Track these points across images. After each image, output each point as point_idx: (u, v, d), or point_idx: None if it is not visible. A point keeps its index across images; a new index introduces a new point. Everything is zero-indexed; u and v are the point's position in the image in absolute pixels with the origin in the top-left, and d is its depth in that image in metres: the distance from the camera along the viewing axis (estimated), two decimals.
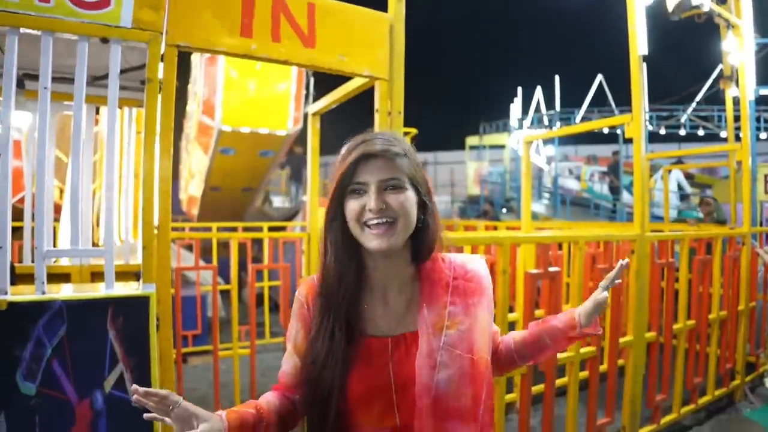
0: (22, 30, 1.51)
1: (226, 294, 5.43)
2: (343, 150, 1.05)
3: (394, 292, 1.07)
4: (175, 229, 6.42)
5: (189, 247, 5.47)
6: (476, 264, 1.11)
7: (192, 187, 7.28)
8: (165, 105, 1.63)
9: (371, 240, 0.99)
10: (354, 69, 2.00)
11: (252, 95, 5.75)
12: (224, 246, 5.40)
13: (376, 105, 2.11)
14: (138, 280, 1.81)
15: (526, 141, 3.99)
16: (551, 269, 2.65)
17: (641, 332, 3.04)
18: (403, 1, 2.10)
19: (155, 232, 1.64)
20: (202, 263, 4.70)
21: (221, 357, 3.02)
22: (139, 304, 1.62)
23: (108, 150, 1.59)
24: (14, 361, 1.49)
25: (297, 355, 1.08)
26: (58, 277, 2.45)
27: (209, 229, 5.44)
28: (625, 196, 10.49)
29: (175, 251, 5.08)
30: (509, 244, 2.52)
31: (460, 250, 2.49)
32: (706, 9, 3.90)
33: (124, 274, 2.22)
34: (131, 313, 1.61)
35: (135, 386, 0.91)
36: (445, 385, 0.99)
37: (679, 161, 8.83)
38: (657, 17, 3.79)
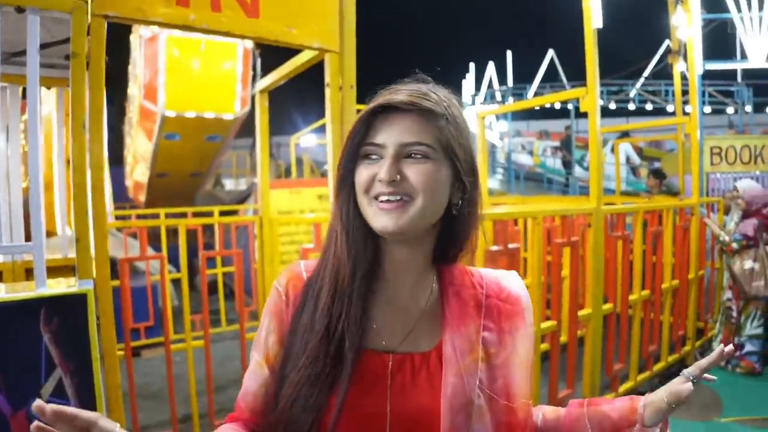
0: None
1: (177, 283, 5.23)
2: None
3: (404, 295, 0.82)
4: (121, 217, 6.14)
5: (136, 236, 5.21)
6: (512, 281, 0.87)
7: (138, 173, 6.91)
8: (94, 83, 1.47)
9: (376, 216, 0.75)
10: (303, 41, 1.88)
11: (196, 77, 5.34)
12: (174, 233, 5.18)
13: (327, 79, 2.00)
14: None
15: (480, 116, 3.96)
16: (510, 246, 2.64)
17: (599, 304, 3.09)
18: None
19: (90, 222, 1.49)
20: (151, 251, 4.47)
21: (176, 349, 2.89)
22: (76, 302, 1.47)
23: (31, 134, 1.42)
24: None
25: (267, 367, 0.80)
26: None
27: (157, 216, 5.19)
28: (577, 170, 10.76)
29: (121, 240, 4.83)
30: None
31: None
32: None
33: (63, 269, 2.05)
34: (67, 313, 1.47)
35: (37, 403, 0.56)
36: None
37: (626, 134, 9.10)
38: None
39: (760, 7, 5.20)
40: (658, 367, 3.69)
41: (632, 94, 13.65)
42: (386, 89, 0.80)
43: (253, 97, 3.45)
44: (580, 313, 3.03)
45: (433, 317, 0.81)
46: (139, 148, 6.43)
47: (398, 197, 0.74)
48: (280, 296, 0.83)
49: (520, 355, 0.81)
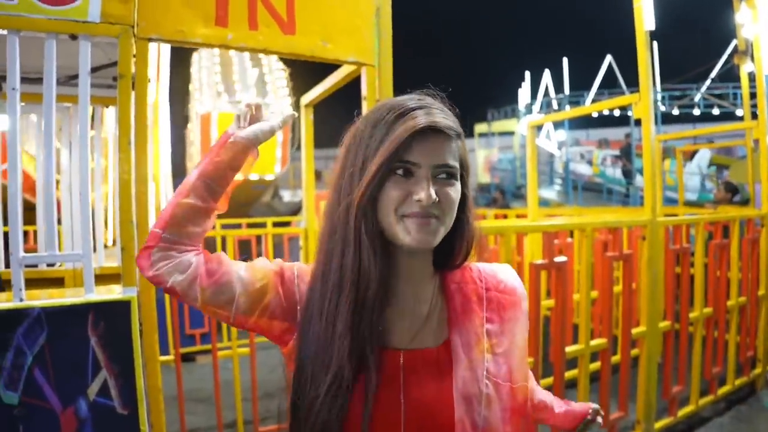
0: None
1: None
2: (383, 112, 0.81)
3: (410, 300, 0.86)
4: None
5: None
6: (508, 273, 0.93)
7: None
8: (139, 102, 1.56)
9: (410, 232, 0.77)
10: (338, 55, 1.92)
11: None
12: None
13: (364, 92, 2.02)
14: None
15: (530, 125, 3.88)
16: (557, 259, 2.55)
17: (655, 321, 2.92)
18: None
19: (134, 232, 1.57)
20: None
21: (225, 356, 2.99)
22: (120, 308, 1.56)
23: (82, 150, 1.53)
24: None
25: (252, 276, 0.84)
26: (52, 281, 2.43)
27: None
28: (639, 179, 10.25)
29: None
30: (513, 233, 2.43)
31: None
32: None
33: (113, 277, 2.18)
34: (112, 318, 1.56)
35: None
36: (489, 424, 0.81)
37: (710, 141, 8.57)
38: None
39: None
40: (724, 390, 3.43)
41: (697, 98, 12.88)
42: (401, 104, 0.80)
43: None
44: (634, 330, 2.88)
45: (440, 316, 0.86)
46: None
47: (434, 213, 0.78)
48: (293, 281, 0.85)
49: (518, 343, 0.88)
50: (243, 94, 6.60)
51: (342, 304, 0.79)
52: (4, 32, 1.48)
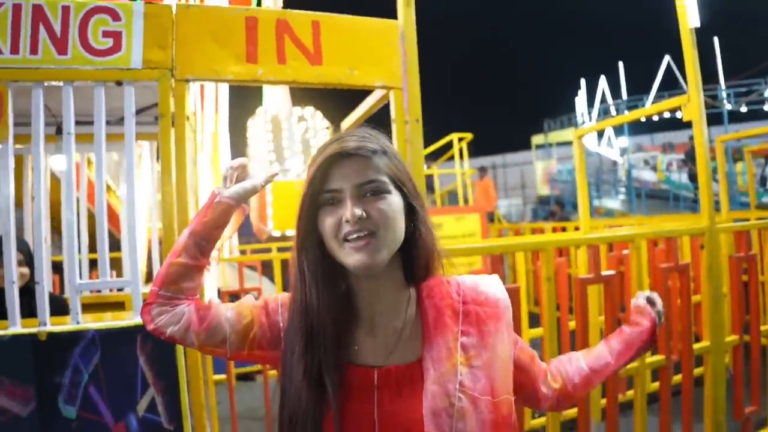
0: (45, 83, 1.63)
1: None
2: (315, 155, 0.89)
3: (382, 319, 0.89)
4: (242, 251, 6.82)
5: (254, 268, 5.70)
6: (490, 284, 0.94)
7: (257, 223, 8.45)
8: (178, 138, 1.69)
9: (350, 255, 0.82)
10: (365, 81, 1.98)
11: (293, 208, 7.41)
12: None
13: (393, 115, 2.07)
14: None
15: (576, 135, 3.79)
16: (605, 273, 2.47)
17: (719, 336, 2.74)
18: (413, 5, 2.06)
19: None
20: (267, 283, 4.89)
21: (274, 376, 3.08)
22: None
23: (128, 183, 1.67)
24: (56, 387, 1.60)
25: (235, 318, 0.92)
26: (114, 306, 2.62)
27: (269, 251, 5.63)
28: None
29: (236, 271, 5.32)
30: (552, 248, 2.37)
31: (498, 259, 2.39)
32: None
33: None
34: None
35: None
36: None
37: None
38: None
39: None
40: None
41: (766, 93, 12.00)
42: (324, 143, 0.90)
43: None
44: (697, 346, 2.71)
45: (414, 332, 0.89)
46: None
47: (365, 232, 0.81)
48: (277, 312, 0.93)
49: (500, 355, 0.88)
50: (291, 161, 7.47)
51: (296, 332, 0.87)
52: (49, 84, 1.65)
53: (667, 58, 12.41)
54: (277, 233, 7.68)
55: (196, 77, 1.71)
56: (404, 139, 2.12)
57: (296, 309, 0.88)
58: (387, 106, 2.40)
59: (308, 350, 0.84)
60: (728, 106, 11.69)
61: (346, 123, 2.79)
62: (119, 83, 1.65)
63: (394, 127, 2.13)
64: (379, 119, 2.94)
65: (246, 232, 9.17)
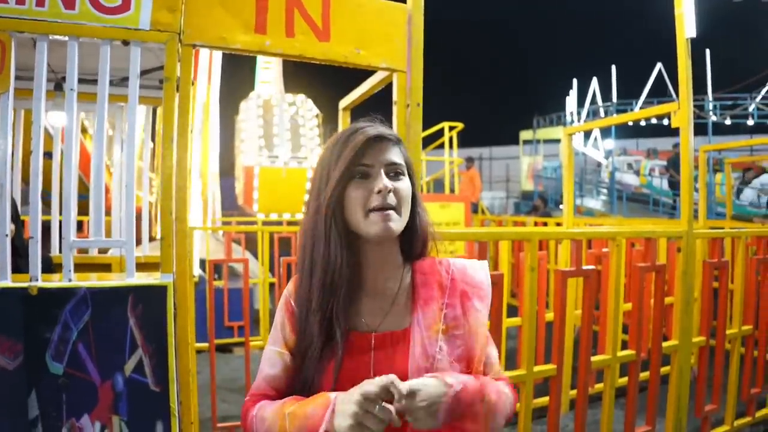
0: (51, 36, 1.61)
1: (273, 287, 5.56)
2: (339, 136, 1.01)
3: (381, 286, 1.02)
4: (226, 223, 6.76)
5: (239, 241, 5.68)
6: (477, 269, 1.06)
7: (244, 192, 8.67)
8: (182, 103, 1.68)
9: (374, 224, 0.94)
10: (371, 61, 2.00)
11: (279, 193, 8.02)
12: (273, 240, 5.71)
13: (395, 97, 2.09)
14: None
15: (566, 133, 3.85)
16: (585, 267, 2.54)
17: (687, 336, 2.86)
18: None
19: (173, 223, 1.70)
20: (250, 256, 4.91)
21: (257, 347, 3.11)
22: (157, 293, 1.69)
23: (128, 146, 1.67)
24: (44, 342, 1.60)
25: (288, 353, 1.01)
26: (101, 267, 2.61)
27: (254, 223, 5.62)
28: None
29: (223, 244, 5.28)
30: (537, 239, 2.44)
31: (483, 247, 2.44)
32: None
33: (150, 266, 2.33)
34: (150, 301, 1.69)
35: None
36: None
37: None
38: (717, 1, 3.54)
39: None
40: (762, 413, 3.30)
41: (751, 108, 12.31)
42: (350, 128, 1.00)
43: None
44: (666, 344, 2.82)
45: (407, 301, 1.02)
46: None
47: (390, 205, 0.94)
48: (289, 302, 1.04)
49: (476, 330, 1.00)
50: (280, 149, 7.92)
51: (314, 286, 0.98)
52: (55, 38, 1.63)
53: (659, 66, 12.60)
54: (261, 215, 7.90)
55: (204, 43, 1.70)
56: (404, 123, 2.14)
57: (314, 266, 0.98)
58: (385, 89, 2.42)
59: (324, 301, 0.96)
60: (713, 118, 11.96)
61: (349, 99, 2.80)
62: (126, 43, 1.64)
63: (395, 109, 2.15)
64: (373, 103, 2.95)
65: (230, 206, 9.10)
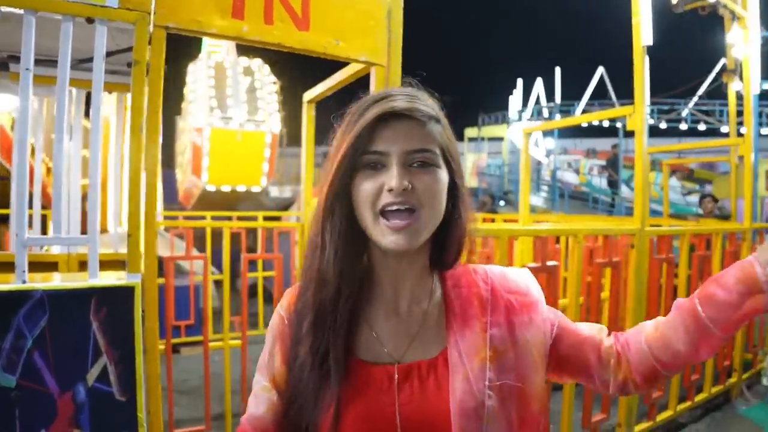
0: (3, 8, 1.44)
1: (219, 284, 5.36)
2: (355, 108, 0.78)
3: (405, 304, 0.80)
4: (168, 217, 6.41)
5: (183, 236, 5.43)
6: (520, 274, 0.86)
7: (187, 183, 7.64)
8: (152, 89, 1.56)
9: (386, 234, 0.72)
10: (350, 54, 1.94)
11: (232, 160, 6.93)
12: (218, 235, 5.42)
13: (372, 91, 2.04)
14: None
15: (525, 132, 3.93)
16: (549, 263, 2.60)
17: None
18: None
19: (141, 219, 1.58)
20: (195, 253, 4.67)
21: (213, 348, 2.97)
22: (124, 294, 1.56)
23: (93, 134, 1.53)
24: None
25: (275, 389, 0.80)
26: (45, 265, 2.40)
27: (203, 218, 5.39)
28: (624, 190, 10.45)
29: (168, 240, 5.03)
30: (507, 236, 2.47)
31: None
32: (712, 0, 3.83)
33: (113, 263, 2.17)
34: (115, 303, 1.56)
35: None
36: None
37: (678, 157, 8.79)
38: (659, 9, 3.72)
39: None
40: (701, 398, 3.52)
41: (684, 113, 13.24)
42: (368, 98, 0.78)
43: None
44: None
45: (438, 321, 0.80)
46: (187, 178, 7.84)
47: (406, 207, 0.72)
48: (282, 320, 0.83)
49: (531, 349, 0.79)
50: (235, 110, 6.72)
51: (307, 305, 0.78)
52: (8, 10, 1.47)
53: (600, 70, 13.23)
54: (211, 187, 6.87)
55: (177, 26, 1.58)
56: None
57: (311, 279, 0.78)
58: (359, 81, 2.36)
59: (318, 324, 0.76)
60: (651, 121, 12.74)
61: (316, 91, 2.71)
62: (90, 20, 1.49)
63: None
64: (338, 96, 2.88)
65: (170, 199, 8.60)
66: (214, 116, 6.61)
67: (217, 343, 2.94)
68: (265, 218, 5.94)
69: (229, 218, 5.49)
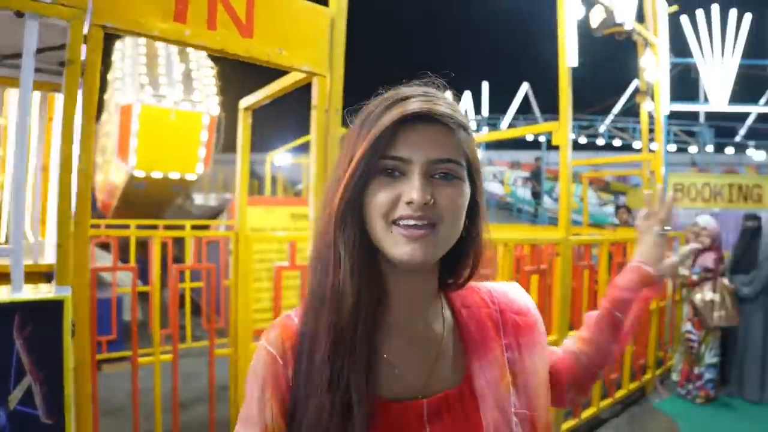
0: None
1: (144, 296, 5.10)
2: (375, 103, 0.69)
3: (419, 326, 0.72)
4: (92, 226, 6.02)
5: (103, 246, 5.11)
6: (518, 292, 0.82)
7: (107, 188, 7.02)
8: (87, 91, 1.48)
9: (399, 244, 0.64)
10: (293, 63, 1.93)
11: (164, 143, 6.07)
12: (141, 245, 5.13)
13: (314, 101, 2.05)
14: (48, 281, 1.64)
15: None
16: (483, 271, 2.71)
17: (564, 331, 3.18)
18: None
19: (72, 228, 1.48)
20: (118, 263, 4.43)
21: (141, 363, 2.82)
22: (52, 308, 1.45)
23: (19, 137, 1.42)
24: None
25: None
26: None
27: (128, 227, 5.11)
28: (546, 200, 11.04)
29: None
30: None
31: None
32: (628, 27, 4.16)
33: (30, 275, 2.01)
34: (42, 319, 1.44)
35: None
36: None
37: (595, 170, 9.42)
38: (581, 32, 4.00)
39: (722, 54, 5.55)
40: (620, 394, 3.78)
41: (602, 129, 14.28)
42: (392, 94, 0.69)
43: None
44: (551, 338, 3.10)
45: (455, 346, 0.74)
46: (110, 176, 6.95)
47: (425, 221, 0.64)
48: (274, 358, 0.69)
49: (538, 370, 0.77)
50: (168, 88, 5.96)
51: (321, 329, 0.67)
52: None
53: (525, 85, 13.97)
54: (140, 173, 6.00)
55: (116, 26, 1.51)
56: (324, 127, 2.10)
57: (321, 300, 0.68)
58: (302, 91, 2.36)
59: (336, 355, 0.65)
60: (572, 136, 13.65)
61: (253, 99, 2.67)
62: (20, 14, 1.39)
63: (313, 114, 2.11)
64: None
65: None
66: (144, 93, 5.85)
67: (147, 358, 2.79)
68: (193, 227, 5.73)
69: (155, 227, 5.25)
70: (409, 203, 0.64)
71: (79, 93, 1.46)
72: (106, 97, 6.60)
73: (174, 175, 6.22)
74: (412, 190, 0.63)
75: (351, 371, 0.65)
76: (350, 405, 0.64)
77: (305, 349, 0.68)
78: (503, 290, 0.82)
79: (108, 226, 5.39)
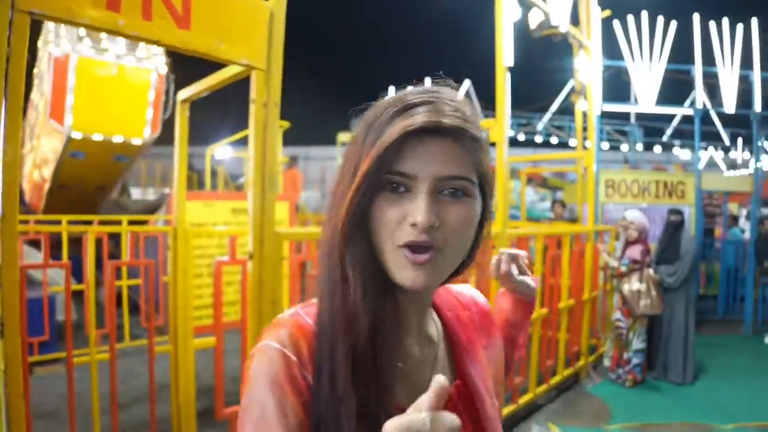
0: None
1: (78, 295, 4.90)
2: (382, 108, 0.65)
3: (422, 331, 0.72)
4: (20, 221, 5.65)
5: (33, 243, 4.86)
6: (476, 293, 0.85)
7: (36, 178, 6.53)
8: (13, 81, 1.41)
9: (404, 269, 0.61)
10: (231, 56, 1.92)
11: (106, 101, 5.35)
12: (74, 241, 4.90)
13: (252, 95, 2.05)
14: None
15: None
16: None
17: None
18: None
19: None
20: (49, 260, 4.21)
21: (77, 364, 2.72)
22: None
23: None
24: None
25: None
26: None
27: (59, 222, 4.87)
28: None
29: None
30: None
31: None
32: (563, 30, 4.36)
33: None
34: None
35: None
36: None
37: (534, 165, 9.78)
38: (519, 31, 4.16)
39: (651, 58, 5.91)
40: (555, 380, 3.98)
41: (539, 127, 14.81)
42: (399, 97, 0.65)
43: (173, 106, 3.42)
44: None
45: (444, 352, 0.73)
46: (40, 158, 6.22)
47: (430, 244, 0.61)
48: (288, 358, 0.61)
49: (499, 364, 0.82)
50: (110, 42, 5.19)
51: (339, 358, 0.60)
52: None
53: (467, 83, 14.22)
54: (77, 134, 5.22)
55: (45, 12, 1.45)
56: (262, 122, 2.10)
57: (334, 324, 0.62)
58: (239, 85, 2.34)
59: (360, 379, 0.59)
60: (510, 133, 14.08)
61: (191, 91, 2.62)
62: None
63: (252, 108, 2.10)
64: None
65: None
66: (83, 45, 5.10)
67: (82, 358, 2.70)
68: (130, 222, 5.53)
69: (90, 222, 5.04)
70: (413, 225, 0.60)
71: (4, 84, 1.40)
72: (39, 54, 5.87)
73: (117, 139, 5.46)
74: (417, 211, 0.60)
75: (378, 393, 0.60)
76: (378, 421, 0.55)
77: (325, 371, 0.61)
78: (464, 291, 0.84)
79: (38, 222, 5.11)
